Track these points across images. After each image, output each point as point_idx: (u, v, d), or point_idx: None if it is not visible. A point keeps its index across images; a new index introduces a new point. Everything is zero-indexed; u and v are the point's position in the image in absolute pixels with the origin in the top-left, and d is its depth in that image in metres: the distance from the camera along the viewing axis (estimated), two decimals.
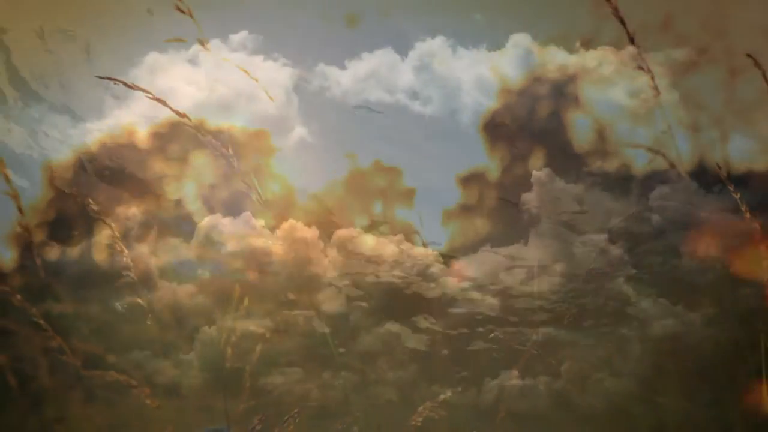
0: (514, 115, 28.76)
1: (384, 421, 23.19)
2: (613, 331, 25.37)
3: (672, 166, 25.35)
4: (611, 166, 27.86)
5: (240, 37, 29.38)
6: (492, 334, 26.46)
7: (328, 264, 28.13)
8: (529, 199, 28.53)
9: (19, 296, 11.79)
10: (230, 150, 11.72)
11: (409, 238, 28.32)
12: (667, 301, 24.67)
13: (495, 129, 28.73)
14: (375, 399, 25.52)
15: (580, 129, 28.17)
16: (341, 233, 28.56)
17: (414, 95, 29.52)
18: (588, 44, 28.23)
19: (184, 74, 29.23)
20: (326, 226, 28.30)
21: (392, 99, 29.85)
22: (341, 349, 26.63)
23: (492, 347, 26.33)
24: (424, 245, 28.39)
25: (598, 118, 27.89)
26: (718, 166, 19.67)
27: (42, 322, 12.02)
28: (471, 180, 29.28)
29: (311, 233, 28.37)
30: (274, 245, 28.04)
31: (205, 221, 28.15)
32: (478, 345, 26.56)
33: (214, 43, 29.31)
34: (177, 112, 11.55)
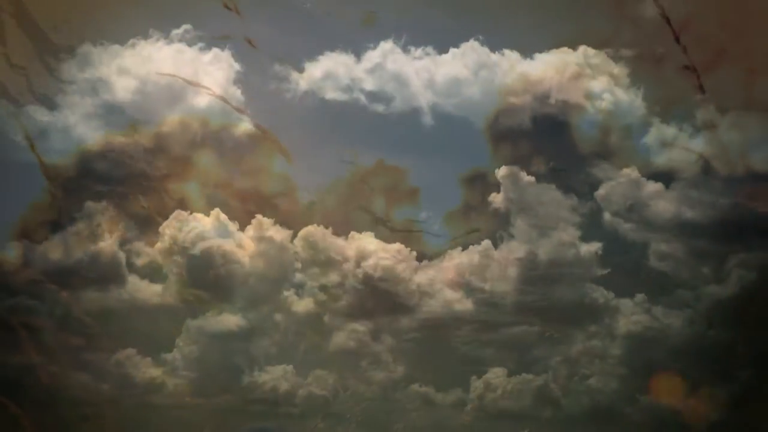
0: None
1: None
2: (587, 328, 26.01)
3: (706, 165, 26.01)
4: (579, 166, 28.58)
5: (182, 31, 28.73)
6: (466, 334, 26.73)
7: (297, 262, 27.90)
8: (498, 199, 28.76)
9: (65, 293, 11.34)
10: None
11: (381, 236, 28.35)
12: (644, 298, 25.43)
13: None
14: (359, 397, 25.49)
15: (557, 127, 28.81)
16: (309, 231, 28.29)
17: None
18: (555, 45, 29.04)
19: (119, 66, 28.40)
20: (299, 224, 28.10)
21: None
22: (317, 348, 26.51)
23: (467, 347, 26.60)
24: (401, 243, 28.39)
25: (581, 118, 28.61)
26: None
27: (87, 318, 11.60)
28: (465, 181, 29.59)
29: (281, 232, 28.02)
30: (246, 244, 27.66)
31: (172, 218, 27.43)
32: (453, 344, 26.77)
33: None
34: (238, 109, 11.38)
